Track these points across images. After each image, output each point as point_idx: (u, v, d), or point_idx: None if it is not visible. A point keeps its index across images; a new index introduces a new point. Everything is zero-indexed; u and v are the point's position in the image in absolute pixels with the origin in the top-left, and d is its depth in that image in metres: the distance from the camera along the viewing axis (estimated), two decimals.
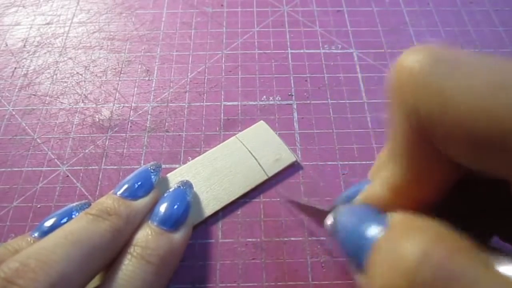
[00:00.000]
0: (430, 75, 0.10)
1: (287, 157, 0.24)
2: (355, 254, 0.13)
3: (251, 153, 0.24)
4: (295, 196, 0.23)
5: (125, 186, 0.20)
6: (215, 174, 0.24)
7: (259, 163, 0.24)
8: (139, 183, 0.21)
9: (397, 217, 0.13)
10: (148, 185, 0.21)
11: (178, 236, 0.19)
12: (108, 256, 0.18)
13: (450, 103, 0.10)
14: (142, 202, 0.20)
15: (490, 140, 0.10)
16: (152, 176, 0.21)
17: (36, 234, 0.19)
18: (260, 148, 0.24)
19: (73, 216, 0.20)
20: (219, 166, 0.24)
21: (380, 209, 0.14)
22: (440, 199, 0.13)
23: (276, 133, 0.25)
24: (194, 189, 0.23)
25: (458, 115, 0.10)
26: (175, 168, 0.24)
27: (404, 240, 0.11)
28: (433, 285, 0.10)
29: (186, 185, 0.22)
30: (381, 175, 0.14)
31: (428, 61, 0.11)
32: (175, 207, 0.20)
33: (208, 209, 0.22)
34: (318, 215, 0.19)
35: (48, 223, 0.19)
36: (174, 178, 0.24)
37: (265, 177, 0.24)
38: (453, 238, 0.11)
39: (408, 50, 0.11)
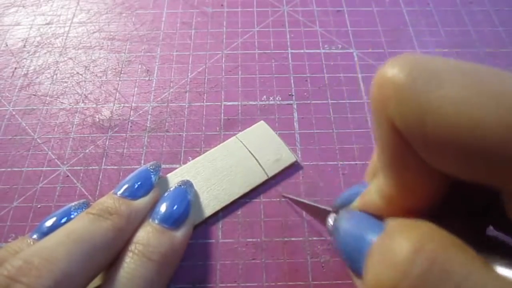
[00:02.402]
0: (409, 87, 0.10)
1: (288, 157, 0.24)
2: (353, 259, 0.13)
3: (251, 153, 0.24)
4: (297, 195, 0.23)
5: (125, 186, 0.20)
6: (215, 174, 0.24)
7: (259, 163, 0.24)
8: (139, 183, 0.21)
9: (392, 222, 0.13)
10: (148, 185, 0.21)
11: (179, 234, 0.19)
12: (109, 255, 0.18)
13: (430, 114, 0.10)
14: (142, 202, 0.20)
15: (473, 150, 0.10)
16: (152, 176, 0.21)
17: (35, 236, 0.19)
18: (260, 148, 0.24)
19: (72, 216, 0.20)
20: (219, 166, 0.24)
21: (377, 215, 0.14)
22: (434, 205, 0.13)
23: (276, 133, 0.25)
24: (195, 188, 0.23)
25: (437, 125, 0.10)
26: (175, 168, 0.24)
27: (397, 238, 0.11)
28: (426, 278, 0.10)
29: (187, 184, 0.22)
30: (375, 183, 0.14)
31: (408, 72, 0.10)
32: (176, 205, 0.20)
33: (208, 209, 0.22)
34: (319, 214, 0.19)
35: (48, 223, 0.19)
36: (174, 178, 0.24)
37: (265, 177, 0.24)
38: (445, 235, 0.11)
39: (389, 61, 0.11)
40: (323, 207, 0.20)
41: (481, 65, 0.10)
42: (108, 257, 0.18)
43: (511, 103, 0.09)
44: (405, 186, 0.12)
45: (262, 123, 0.26)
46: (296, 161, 0.24)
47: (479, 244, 0.11)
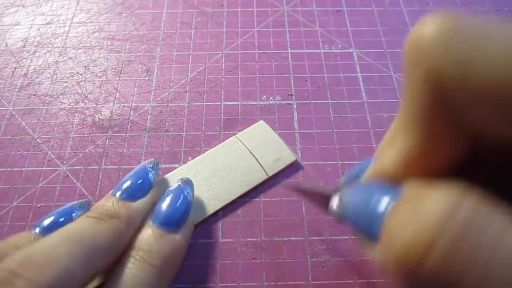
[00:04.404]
0: (452, 40, 0.10)
1: (287, 157, 0.24)
2: (367, 228, 0.13)
3: (251, 153, 0.24)
4: (297, 184, 0.23)
5: (123, 187, 0.20)
6: (215, 174, 0.24)
7: (259, 163, 0.24)
8: (137, 183, 0.20)
9: (411, 184, 0.12)
10: (146, 185, 0.21)
11: (180, 237, 0.19)
12: (109, 257, 0.18)
13: (474, 67, 0.10)
14: (141, 203, 0.20)
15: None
16: (150, 175, 0.21)
17: (37, 230, 0.19)
18: (260, 147, 0.24)
19: (73, 214, 0.20)
20: (219, 166, 0.24)
21: (390, 183, 0.13)
22: (450, 170, 0.13)
23: (276, 132, 0.25)
24: (194, 187, 0.23)
25: (482, 79, 0.10)
26: (175, 168, 0.24)
27: (424, 199, 0.11)
28: (463, 237, 0.10)
29: (186, 183, 0.21)
30: (391, 148, 0.14)
31: (449, 26, 0.10)
32: (176, 207, 0.20)
33: (208, 208, 0.22)
34: (322, 200, 0.19)
35: (49, 220, 0.19)
36: (174, 177, 0.24)
37: (265, 177, 0.24)
38: (479, 193, 0.11)
39: (428, 15, 0.11)
40: (324, 190, 0.19)
41: None
42: (108, 259, 0.18)
43: None
44: (430, 143, 0.12)
45: (262, 122, 0.26)
46: (296, 160, 0.24)
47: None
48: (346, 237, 0.22)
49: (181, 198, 0.20)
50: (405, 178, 0.13)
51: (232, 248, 0.22)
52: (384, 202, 0.12)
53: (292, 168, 0.24)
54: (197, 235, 0.22)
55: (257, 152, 0.24)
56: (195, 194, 0.23)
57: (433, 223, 0.10)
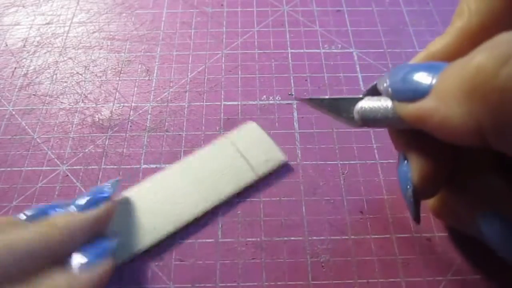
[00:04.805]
0: None
1: (277, 157, 0.24)
2: (414, 92, 0.14)
3: (241, 153, 0.24)
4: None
5: (76, 202, 0.20)
6: (204, 175, 0.23)
7: (248, 163, 0.24)
8: (89, 197, 0.20)
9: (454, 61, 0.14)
10: (98, 198, 0.20)
11: (83, 276, 0.18)
12: (34, 262, 0.17)
13: None
14: (88, 213, 0.20)
15: None
16: (106, 189, 0.21)
17: (27, 214, 0.19)
18: (250, 148, 0.24)
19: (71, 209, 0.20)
20: (208, 167, 0.24)
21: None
22: None
23: (267, 133, 0.25)
24: (182, 191, 0.23)
25: None
26: None
27: (494, 40, 0.12)
28: None
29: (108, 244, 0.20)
30: (447, 33, 0.16)
31: None
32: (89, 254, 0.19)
33: (197, 210, 0.22)
34: (344, 106, 0.19)
35: (35, 210, 0.19)
36: (165, 177, 0.23)
37: (255, 177, 0.23)
38: None
39: None
40: (347, 96, 0.19)
41: None
42: (33, 264, 0.17)
43: None
44: (498, 16, 0.14)
45: (252, 123, 0.26)
46: (286, 161, 0.24)
47: None
48: (346, 237, 0.22)
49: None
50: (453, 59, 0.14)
51: (232, 248, 0.22)
52: (434, 71, 0.14)
53: (292, 168, 0.24)
54: (197, 235, 0.22)
55: (247, 153, 0.24)
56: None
57: (506, 47, 0.11)
